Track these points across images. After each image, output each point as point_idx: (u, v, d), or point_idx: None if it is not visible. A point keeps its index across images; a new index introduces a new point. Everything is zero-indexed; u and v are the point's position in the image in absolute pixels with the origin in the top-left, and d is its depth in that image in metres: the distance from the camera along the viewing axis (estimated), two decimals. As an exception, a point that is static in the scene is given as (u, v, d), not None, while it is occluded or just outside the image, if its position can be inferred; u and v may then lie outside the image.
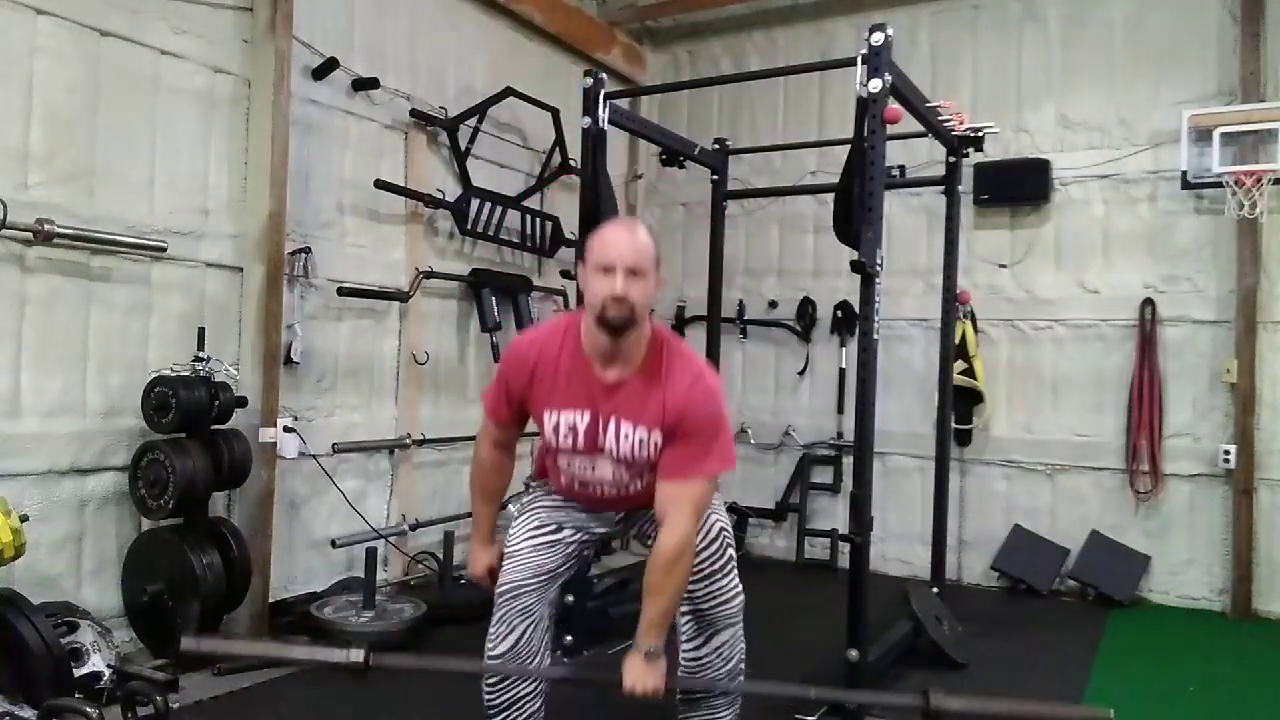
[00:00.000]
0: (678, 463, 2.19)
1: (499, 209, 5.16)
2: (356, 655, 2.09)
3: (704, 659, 2.42)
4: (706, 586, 2.38)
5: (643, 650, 2.14)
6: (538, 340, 2.31)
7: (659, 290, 2.23)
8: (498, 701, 2.38)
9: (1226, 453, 4.84)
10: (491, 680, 2.39)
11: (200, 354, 3.63)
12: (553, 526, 2.40)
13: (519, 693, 2.37)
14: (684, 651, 2.45)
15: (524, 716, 2.40)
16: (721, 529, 2.41)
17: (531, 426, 2.44)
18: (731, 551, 2.44)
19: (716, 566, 2.39)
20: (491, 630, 2.39)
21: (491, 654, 2.38)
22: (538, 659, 2.39)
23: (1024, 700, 2.47)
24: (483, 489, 2.54)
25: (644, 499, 2.31)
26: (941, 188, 4.64)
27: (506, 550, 2.42)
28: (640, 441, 2.21)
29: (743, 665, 2.50)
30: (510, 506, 4.88)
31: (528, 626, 2.36)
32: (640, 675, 2.13)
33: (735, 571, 2.45)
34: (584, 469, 2.32)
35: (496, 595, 2.39)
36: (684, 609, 2.38)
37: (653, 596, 2.15)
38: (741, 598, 2.46)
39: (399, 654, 2.22)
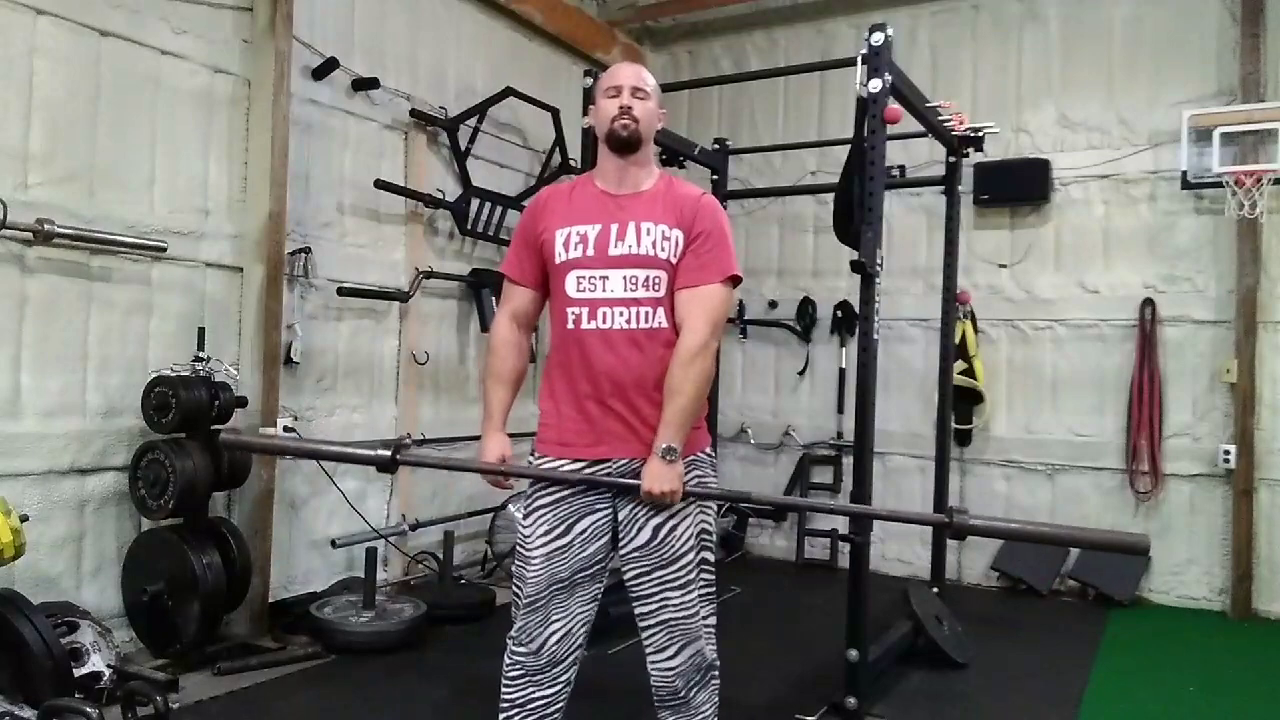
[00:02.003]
0: (694, 268, 2.26)
1: (499, 209, 5.16)
2: (384, 453, 2.26)
3: (677, 667, 2.32)
4: (682, 596, 2.29)
5: (660, 450, 2.18)
6: (551, 188, 2.46)
7: (661, 122, 2.40)
8: (514, 697, 2.30)
9: (1226, 453, 4.84)
10: (511, 675, 2.33)
11: (200, 354, 3.63)
12: (560, 529, 2.31)
13: (531, 695, 2.31)
14: (655, 663, 2.34)
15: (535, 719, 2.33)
16: (702, 532, 2.34)
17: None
18: (709, 555, 2.37)
19: (693, 575, 2.32)
20: (516, 630, 2.30)
21: (514, 650, 2.29)
22: (558, 668, 2.30)
23: (1054, 526, 2.49)
24: (497, 370, 2.43)
25: (646, 369, 2.25)
26: (941, 188, 4.65)
27: (521, 556, 2.34)
28: (664, 236, 2.27)
29: (715, 657, 2.39)
30: (510, 506, 4.89)
31: (549, 637, 2.28)
32: (658, 475, 2.17)
33: (712, 578, 2.38)
34: (593, 287, 2.26)
35: (519, 606, 2.31)
36: (655, 619, 2.30)
37: (672, 396, 2.20)
38: (713, 612, 2.39)
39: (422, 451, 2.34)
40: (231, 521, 3.80)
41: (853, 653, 3.24)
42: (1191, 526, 5.01)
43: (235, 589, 3.62)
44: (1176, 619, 4.82)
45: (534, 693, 2.30)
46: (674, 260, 2.26)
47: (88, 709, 2.56)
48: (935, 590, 4.43)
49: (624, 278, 2.26)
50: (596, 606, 2.36)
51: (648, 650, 2.35)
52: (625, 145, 2.29)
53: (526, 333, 2.47)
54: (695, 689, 2.38)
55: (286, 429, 4.01)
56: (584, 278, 2.28)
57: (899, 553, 5.61)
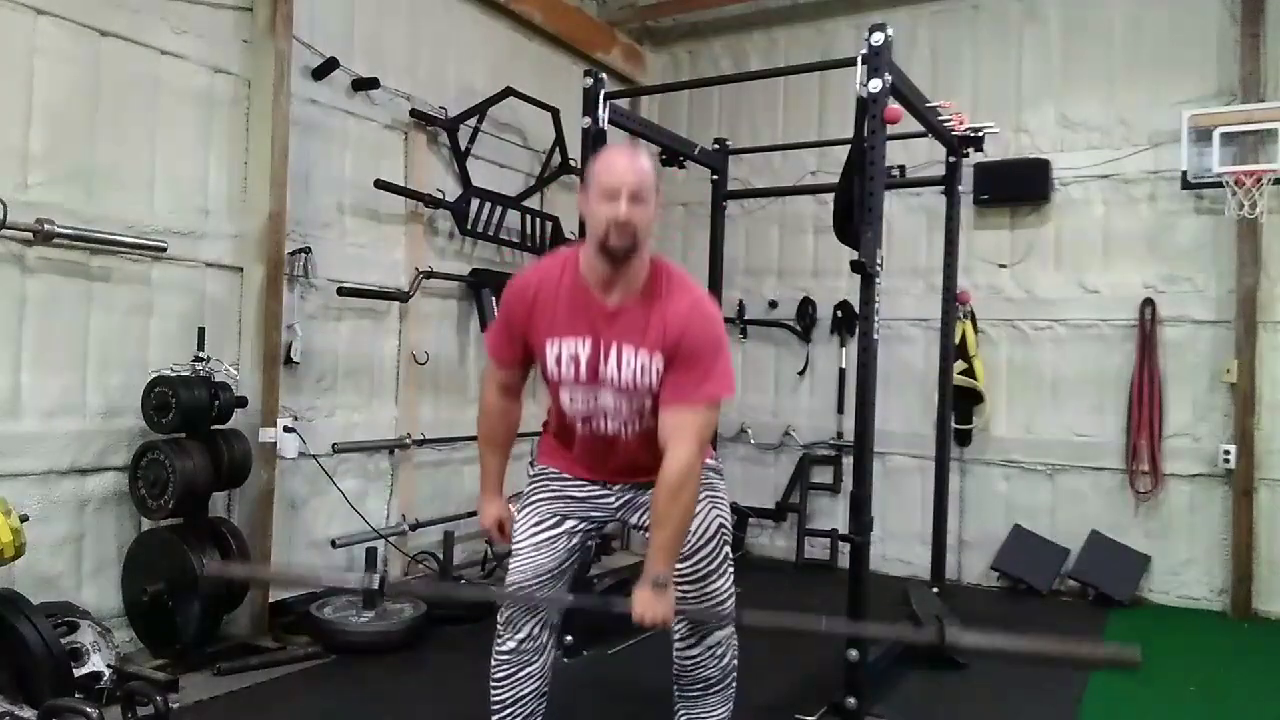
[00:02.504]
0: (679, 387, 2.18)
1: (499, 209, 5.16)
2: (371, 582, 2.20)
3: (698, 658, 2.43)
4: (702, 587, 2.37)
5: (650, 579, 2.16)
6: (538, 271, 2.32)
7: (659, 208, 2.25)
8: (504, 698, 2.39)
9: (1226, 453, 4.84)
10: (498, 676, 2.39)
11: (200, 354, 3.63)
12: (553, 520, 2.39)
13: (521, 691, 2.38)
14: (677, 651, 2.45)
15: (526, 714, 2.40)
16: (720, 526, 2.40)
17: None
18: (728, 550, 2.44)
19: (713, 567, 2.39)
20: (499, 628, 2.40)
21: (499, 650, 2.39)
22: (542, 656, 2.41)
23: (1040, 640, 2.47)
24: (489, 436, 2.49)
25: (644, 454, 2.28)
26: (941, 188, 4.65)
27: (512, 548, 2.41)
28: (642, 368, 2.20)
29: (736, 662, 2.50)
30: (511, 507, 4.90)
31: (534, 625, 2.37)
32: (649, 604, 2.15)
33: (731, 571, 2.45)
34: (586, 402, 2.28)
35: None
36: (679, 611, 2.35)
37: (659, 526, 2.16)
38: (734, 597, 2.46)
39: (411, 581, 2.29)
40: (231, 521, 3.79)
41: (853, 653, 3.24)
42: (1191, 526, 5.01)
43: (235, 589, 3.62)
44: (1176, 619, 4.82)
45: (523, 688, 2.40)
46: (655, 384, 2.22)
47: (88, 709, 2.56)
48: (935, 590, 4.43)
49: (614, 395, 2.26)
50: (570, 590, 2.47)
51: (674, 638, 2.46)
52: (619, 257, 2.15)
53: (517, 399, 2.48)
54: (713, 689, 2.44)
55: (286, 429, 4.00)
56: (576, 395, 2.29)
57: (899, 553, 5.61)
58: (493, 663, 2.41)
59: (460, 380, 5.20)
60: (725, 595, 2.42)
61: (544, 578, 2.36)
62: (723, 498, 2.46)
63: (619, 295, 2.20)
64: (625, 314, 2.20)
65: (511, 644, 2.38)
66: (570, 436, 2.40)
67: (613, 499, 2.43)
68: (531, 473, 2.52)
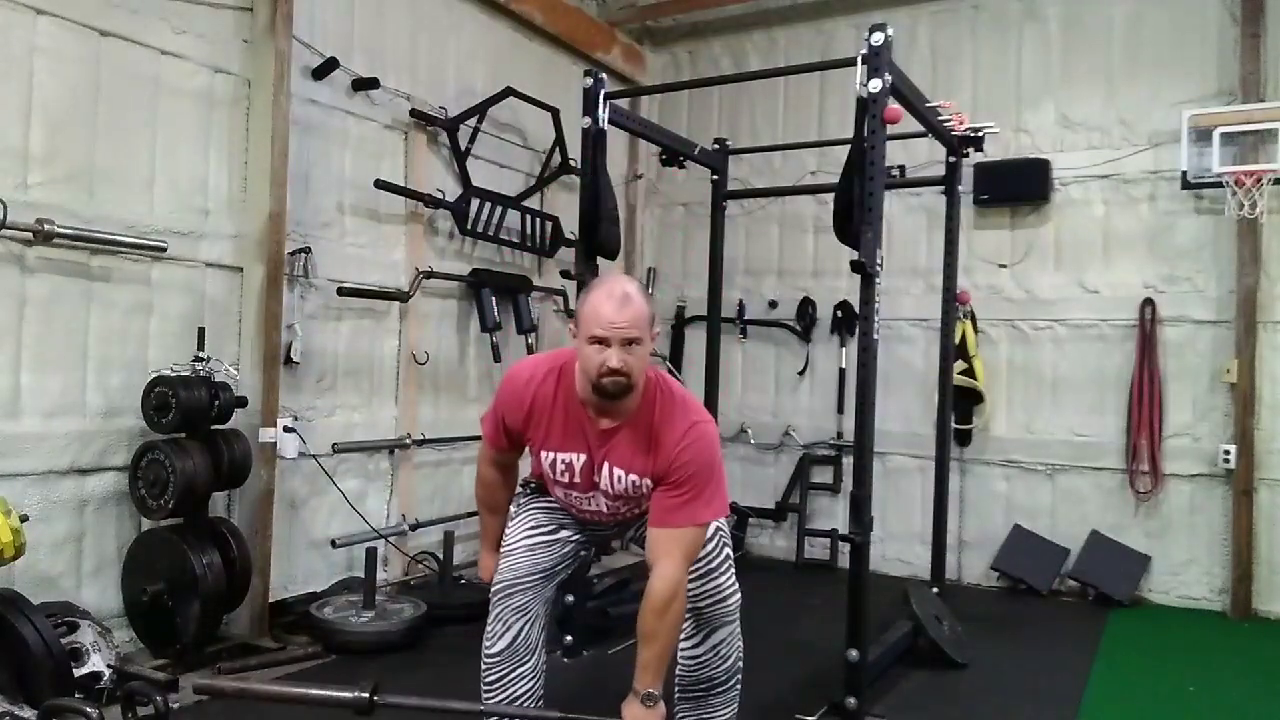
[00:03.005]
0: (668, 510, 2.17)
1: (499, 209, 5.16)
2: (362, 695, 2.09)
3: (701, 657, 2.43)
4: (703, 585, 2.38)
5: (640, 695, 2.13)
6: (534, 380, 2.29)
7: (654, 344, 2.21)
8: (498, 699, 2.40)
9: (1226, 453, 4.84)
10: (490, 679, 2.39)
11: (200, 354, 3.63)
12: (551, 527, 2.42)
13: (515, 692, 2.38)
14: (681, 650, 2.45)
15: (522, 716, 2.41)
16: (718, 528, 2.41)
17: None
18: (728, 550, 2.45)
19: (714, 565, 2.40)
20: (488, 628, 2.41)
21: (488, 651, 2.40)
22: (534, 656, 2.41)
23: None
24: (487, 501, 2.62)
25: (638, 518, 2.37)
26: (941, 188, 4.64)
27: (503, 549, 2.43)
28: (634, 483, 2.26)
29: (740, 663, 2.50)
30: (512, 508, 4.89)
31: (524, 624, 2.38)
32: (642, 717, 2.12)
33: (732, 570, 2.46)
34: (580, 500, 2.37)
35: (492, 593, 2.41)
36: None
37: (646, 642, 2.13)
38: (738, 596, 2.47)
39: (405, 695, 2.21)
40: (231, 521, 3.79)
41: (853, 653, 3.24)
42: (1191, 526, 5.01)
43: (235, 589, 3.61)
44: (1176, 619, 4.82)
45: (517, 688, 2.40)
46: (648, 493, 2.25)
47: (88, 709, 2.55)
48: (935, 590, 4.43)
49: (607, 498, 2.33)
50: (551, 601, 2.52)
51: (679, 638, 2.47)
52: (614, 399, 2.15)
53: (511, 472, 2.58)
54: (717, 689, 2.44)
55: (286, 429, 4.00)
56: (570, 493, 2.37)
57: (899, 553, 5.61)
58: (483, 665, 2.42)
59: (460, 380, 5.20)
60: (729, 592, 2.43)
61: (535, 577, 2.37)
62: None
63: (610, 420, 2.23)
64: (619, 435, 2.22)
65: (501, 644, 2.38)
66: (565, 508, 2.49)
67: (608, 529, 2.53)
68: (527, 486, 2.55)
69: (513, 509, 2.51)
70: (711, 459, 2.20)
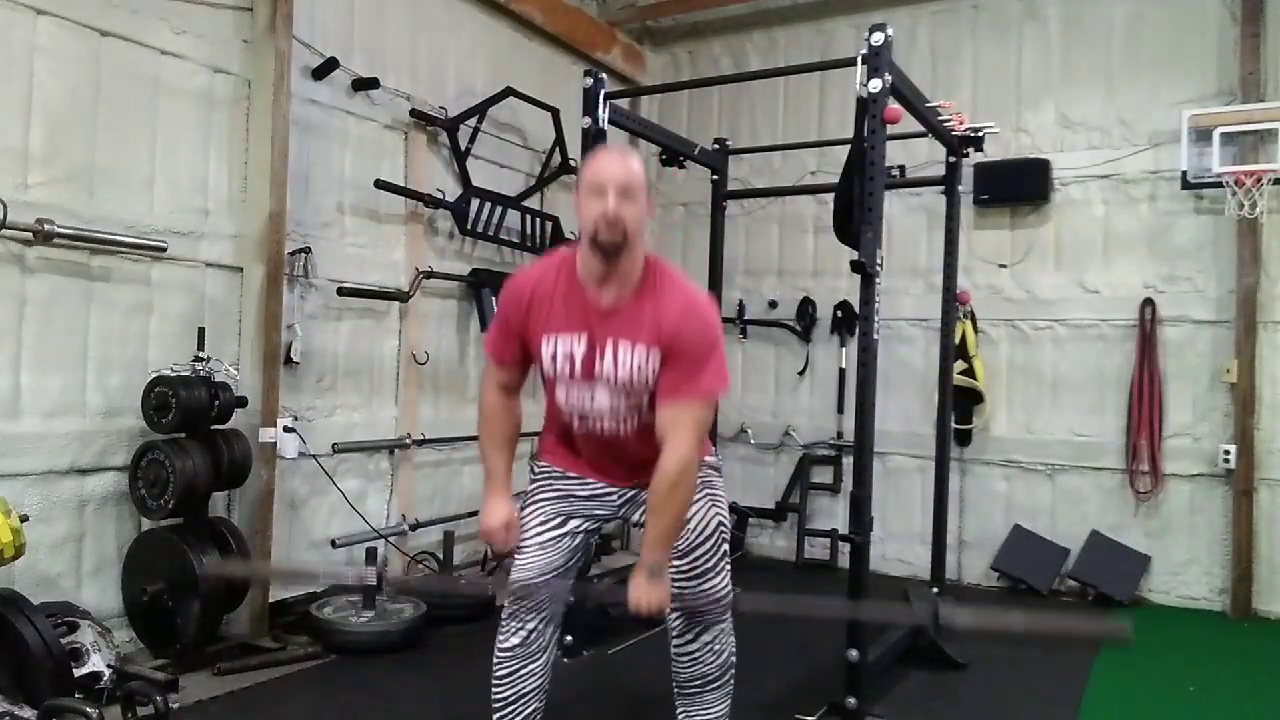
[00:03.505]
0: (674, 384, 2.21)
1: (499, 209, 5.16)
2: (369, 577, 2.19)
3: (695, 653, 2.44)
4: (698, 585, 2.39)
5: (646, 567, 2.19)
6: (534, 271, 2.36)
7: (649, 218, 2.28)
8: (506, 694, 2.40)
9: (1226, 453, 4.84)
10: (500, 674, 2.39)
11: (200, 354, 3.63)
12: (558, 520, 2.42)
13: (524, 689, 2.39)
14: (675, 646, 2.46)
15: (528, 711, 2.41)
16: (719, 525, 2.42)
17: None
18: (726, 549, 2.46)
19: (710, 564, 2.41)
20: (503, 624, 2.41)
21: (501, 646, 2.40)
22: (544, 654, 2.41)
23: (1035, 617, 2.50)
24: (491, 435, 2.45)
25: (645, 450, 2.29)
26: (941, 188, 4.64)
27: (518, 544, 2.42)
28: (639, 366, 2.22)
29: (733, 658, 2.51)
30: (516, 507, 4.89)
31: (538, 622, 2.38)
32: (645, 592, 2.18)
33: (728, 570, 2.46)
34: (583, 399, 2.30)
35: (508, 589, 2.41)
36: (673, 605, 2.38)
37: (655, 516, 2.19)
38: (730, 597, 2.47)
39: (410, 580, 2.28)
40: (231, 521, 3.79)
41: (853, 653, 3.24)
42: (1191, 526, 5.01)
43: (235, 589, 3.61)
44: (1176, 619, 4.82)
45: (526, 684, 2.40)
46: (652, 381, 2.24)
47: (88, 709, 2.56)
48: (935, 590, 4.42)
49: (609, 393, 2.28)
50: (567, 599, 2.48)
51: (671, 634, 2.47)
52: (610, 253, 2.18)
53: (516, 397, 2.48)
54: (711, 685, 2.45)
55: (286, 429, 4.00)
56: (572, 393, 2.32)
57: (899, 553, 5.61)
58: (495, 659, 2.42)
59: (460, 380, 5.20)
60: (723, 592, 2.44)
61: (549, 576, 2.37)
62: (722, 496, 2.48)
63: (614, 293, 2.23)
64: (621, 311, 2.23)
65: (515, 640, 2.38)
66: (570, 436, 2.42)
67: (615, 497, 2.45)
68: (534, 470, 2.53)
69: (521, 501, 2.51)
70: (714, 331, 2.26)
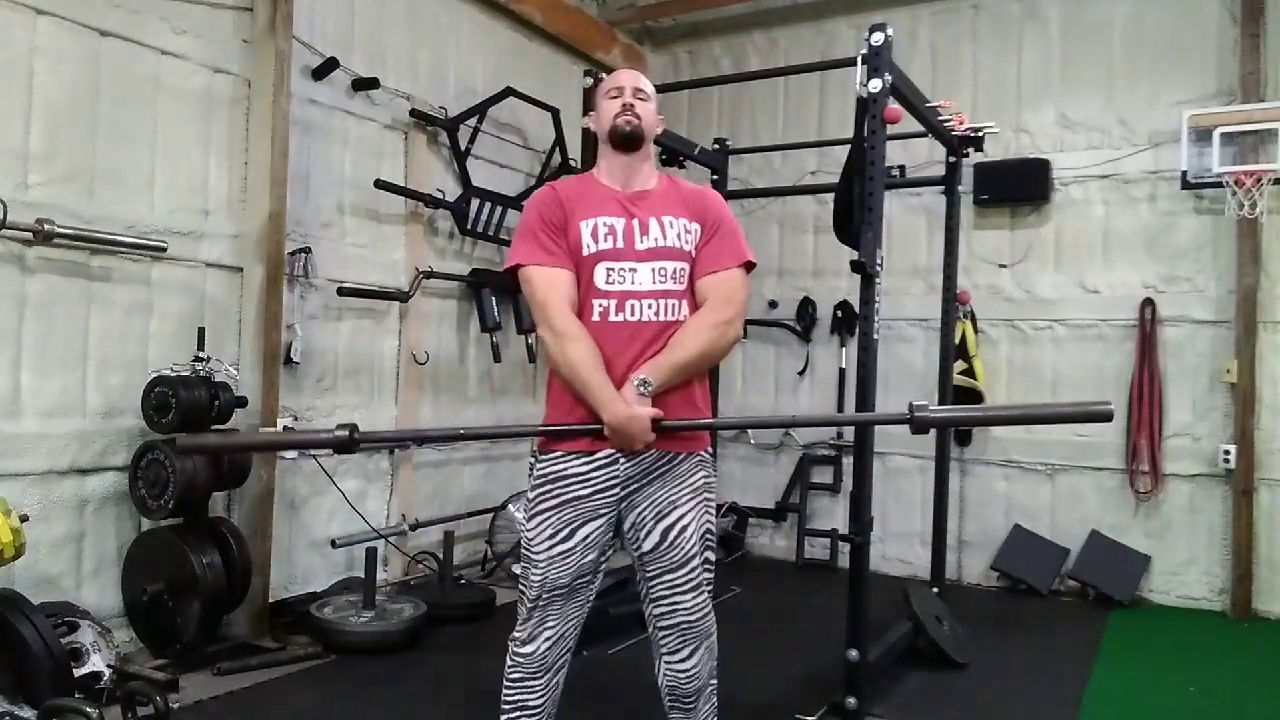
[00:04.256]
0: (714, 255, 2.33)
1: (499, 209, 5.16)
2: (341, 433, 2.15)
3: (692, 670, 2.35)
4: (695, 598, 2.31)
5: (636, 379, 2.17)
6: (555, 183, 2.45)
7: (660, 127, 2.46)
8: (524, 701, 2.32)
9: (1226, 453, 4.84)
10: (512, 676, 2.32)
11: (200, 354, 3.63)
12: (565, 533, 2.28)
13: (529, 700, 2.32)
14: (670, 666, 2.35)
15: (542, 717, 2.35)
16: (707, 532, 2.35)
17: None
18: (711, 555, 2.37)
19: (703, 576, 2.33)
20: (520, 625, 2.33)
21: (516, 650, 2.31)
22: (551, 672, 2.33)
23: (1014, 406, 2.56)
24: (591, 353, 2.20)
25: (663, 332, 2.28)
26: (941, 188, 4.64)
27: (526, 557, 2.33)
28: (679, 235, 2.32)
29: (714, 679, 2.44)
30: (510, 506, 4.89)
31: (542, 641, 2.30)
32: (628, 409, 2.14)
33: (711, 578, 2.39)
34: (622, 279, 2.26)
35: (530, 596, 2.31)
36: (668, 622, 2.31)
37: (674, 348, 2.22)
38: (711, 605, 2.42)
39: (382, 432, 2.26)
40: (231, 521, 3.79)
41: (853, 653, 3.24)
42: (1191, 526, 5.01)
43: (235, 589, 3.61)
44: (1176, 619, 4.82)
45: (530, 698, 2.33)
46: (694, 252, 2.34)
47: (88, 709, 2.56)
48: (935, 590, 4.43)
49: (652, 270, 2.28)
50: (588, 608, 2.37)
51: (662, 651, 2.37)
52: (628, 141, 2.33)
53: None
54: (702, 695, 2.40)
55: (287, 429, 4.00)
56: (613, 269, 2.28)
57: (899, 553, 5.61)
58: (509, 662, 2.33)
59: (460, 380, 5.20)
60: (709, 605, 2.37)
61: (558, 592, 2.28)
62: (714, 503, 2.41)
63: (638, 184, 2.38)
64: (649, 197, 2.37)
65: (528, 649, 2.30)
66: (601, 337, 2.26)
67: (617, 488, 2.28)
68: (534, 472, 2.38)
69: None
70: (730, 213, 2.46)
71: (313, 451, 4.23)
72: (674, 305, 2.29)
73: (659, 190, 2.39)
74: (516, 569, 4.91)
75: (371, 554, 4.03)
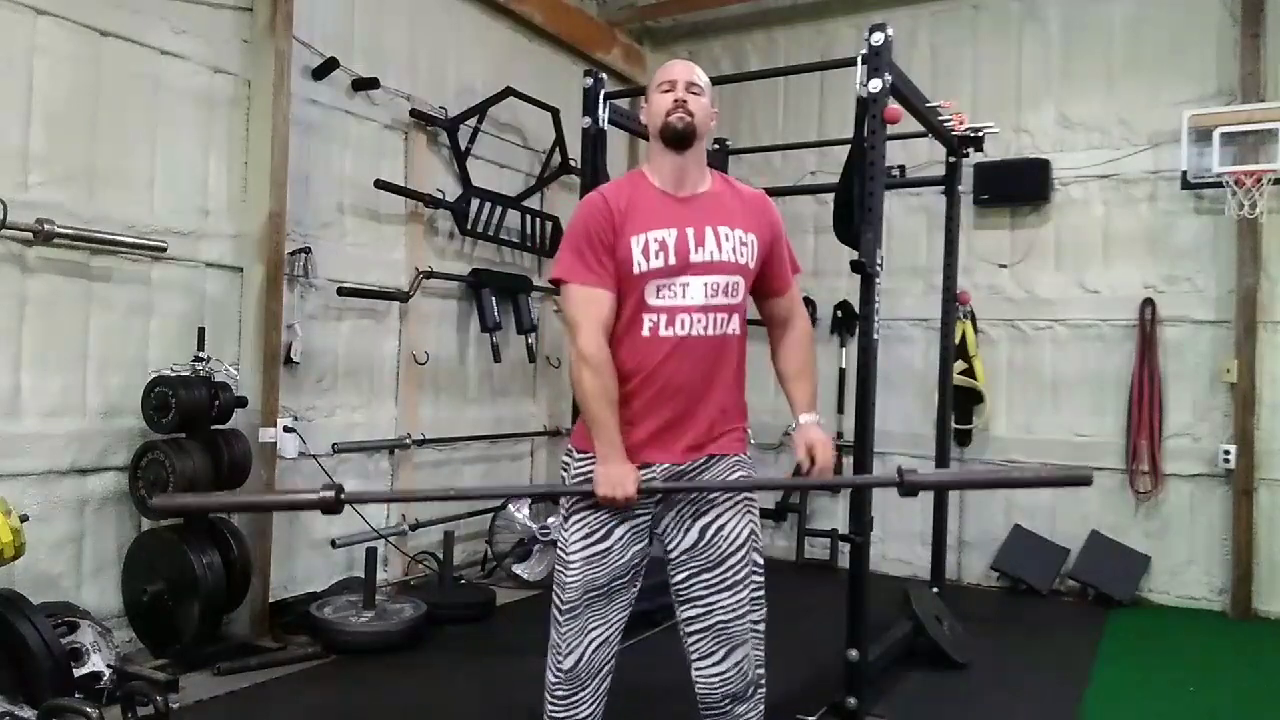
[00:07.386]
0: (782, 271, 2.40)
1: (499, 209, 5.16)
2: (327, 493, 2.09)
3: (726, 673, 2.24)
4: (729, 598, 2.23)
5: (816, 418, 2.34)
6: (604, 189, 2.32)
7: (714, 121, 2.33)
8: (563, 717, 2.26)
9: (1226, 453, 4.84)
10: (558, 694, 2.26)
11: (200, 354, 3.63)
12: (601, 533, 2.22)
13: (581, 713, 2.26)
14: (700, 671, 2.26)
15: None
16: (751, 534, 2.30)
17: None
18: (757, 559, 2.32)
19: (741, 576, 2.26)
20: (560, 640, 2.26)
21: (558, 666, 2.25)
22: (596, 679, 2.26)
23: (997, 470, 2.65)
24: (607, 391, 2.16)
25: (716, 370, 2.27)
26: (941, 188, 4.64)
27: (560, 560, 2.27)
28: (736, 249, 2.25)
29: (762, 670, 2.34)
30: (509, 507, 4.88)
31: (587, 646, 2.24)
32: (825, 441, 2.29)
33: (761, 580, 2.32)
34: (673, 294, 2.19)
35: (564, 607, 2.25)
36: (702, 624, 2.23)
37: (802, 378, 2.41)
38: (764, 610, 2.33)
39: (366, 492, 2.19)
40: (231, 521, 3.79)
41: (853, 653, 3.24)
42: (1191, 526, 5.01)
43: (235, 589, 3.61)
44: (1176, 619, 4.82)
45: (581, 710, 2.26)
46: (751, 265, 2.28)
47: (88, 709, 2.56)
48: (935, 590, 4.42)
49: (704, 285, 2.21)
50: (631, 609, 2.30)
51: (693, 656, 2.26)
52: (681, 139, 2.21)
53: (608, 351, 2.22)
54: (741, 700, 2.28)
55: (286, 429, 4.01)
56: (664, 286, 2.20)
57: (899, 553, 5.61)
58: (551, 678, 2.26)
59: (460, 380, 5.20)
60: (757, 604, 2.30)
61: (594, 594, 2.22)
62: (756, 504, 2.37)
63: (691, 186, 2.28)
64: (703, 199, 2.28)
65: (569, 663, 2.23)
66: (636, 376, 2.22)
67: (655, 498, 2.23)
68: (569, 470, 2.32)
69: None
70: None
71: (312, 451, 4.23)
72: (723, 319, 2.26)
73: (713, 193, 2.29)
74: (517, 569, 4.95)
75: (371, 554, 4.03)
